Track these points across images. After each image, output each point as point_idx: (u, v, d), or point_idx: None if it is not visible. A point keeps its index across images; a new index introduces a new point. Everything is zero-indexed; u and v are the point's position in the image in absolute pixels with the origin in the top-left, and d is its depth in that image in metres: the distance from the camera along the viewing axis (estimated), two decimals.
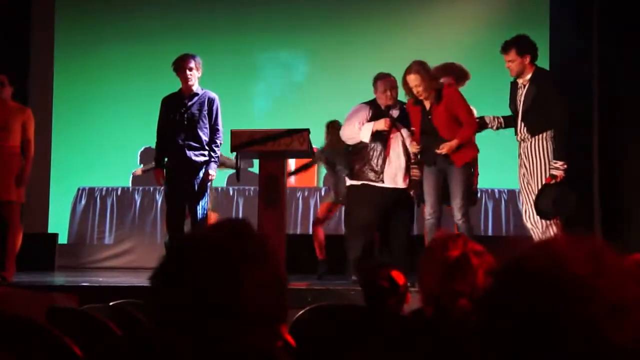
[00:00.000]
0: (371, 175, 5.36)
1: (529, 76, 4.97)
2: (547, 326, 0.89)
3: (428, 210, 5.14)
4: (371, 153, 5.37)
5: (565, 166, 4.83)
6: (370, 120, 5.40)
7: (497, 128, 5.24)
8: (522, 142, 5.02)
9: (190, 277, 1.14)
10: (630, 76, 6.78)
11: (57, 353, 2.00)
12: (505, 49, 4.97)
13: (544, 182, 4.89)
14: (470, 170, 5.15)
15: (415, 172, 5.29)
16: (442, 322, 1.86)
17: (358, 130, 5.38)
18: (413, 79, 5.07)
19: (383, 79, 5.46)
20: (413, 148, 5.29)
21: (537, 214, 4.87)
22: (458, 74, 5.39)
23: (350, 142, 5.49)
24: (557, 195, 4.82)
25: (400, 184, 5.36)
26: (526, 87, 4.98)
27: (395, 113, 5.42)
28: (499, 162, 6.47)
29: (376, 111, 5.44)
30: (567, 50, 7.21)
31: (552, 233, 4.87)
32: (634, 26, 6.74)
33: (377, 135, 5.35)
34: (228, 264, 1.14)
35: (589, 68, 7.11)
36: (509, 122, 5.18)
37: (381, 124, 5.34)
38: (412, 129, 5.31)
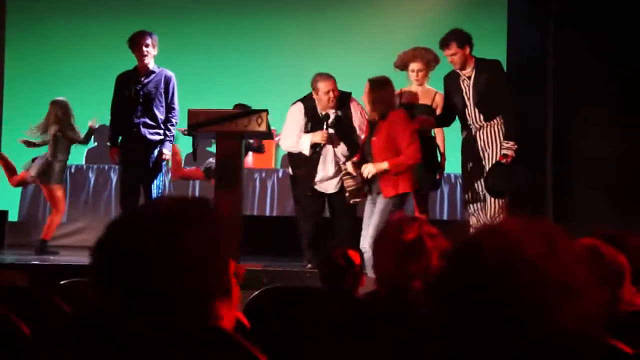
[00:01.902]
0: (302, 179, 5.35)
1: (471, 67, 5.12)
2: (498, 308, 0.90)
3: (361, 243, 4.67)
4: (303, 160, 5.30)
5: (516, 146, 4.98)
6: (306, 123, 5.31)
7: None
8: (478, 130, 5.12)
9: (128, 254, 1.13)
10: (584, 63, 6.89)
11: (5, 332, 1.96)
12: (445, 43, 5.12)
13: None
14: (399, 206, 4.75)
15: (349, 182, 4.97)
16: (396, 303, 1.87)
17: (296, 144, 5.32)
18: (365, 90, 4.87)
19: (325, 81, 5.26)
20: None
21: (487, 190, 4.99)
22: (428, 58, 5.41)
23: (291, 151, 5.44)
24: (508, 173, 4.97)
25: (331, 190, 5.32)
26: (472, 77, 5.12)
27: (332, 115, 5.31)
28: (455, 146, 6.53)
29: (311, 113, 5.33)
30: (524, 36, 7.30)
31: (498, 217, 5.00)
32: (589, 14, 6.85)
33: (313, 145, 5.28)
34: (168, 237, 1.13)
35: (545, 56, 7.22)
36: (442, 119, 5.30)
37: (318, 137, 5.24)
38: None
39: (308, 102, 5.36)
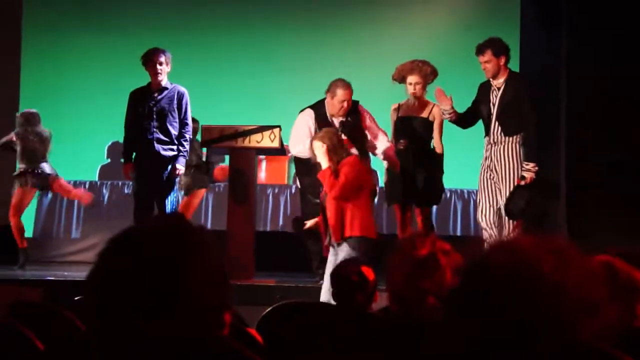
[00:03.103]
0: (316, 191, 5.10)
1: (503, 78, 5.09)
2: (511, 323, 0.90)
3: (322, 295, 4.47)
4: (311, 167, 5.06)
5: (537, 168, 4.94)
6: (316, 129, 5.16)
7: (450, 119, 5.25)
8: (493, 145, 5.10)
9: (129, 269, 1.14)
10: (597, 77, 6.88)
11: (20, 347, 1.97)
12: (481, 50, 5.08)
13: (514, 184, 4.98)
14: (359, 250, 4.43)
15: None
16: (408, 319, 1.86)
17: (309, 149, 5.05)
18: (315, 146, 4.67)
19: (345, 89, 5.21)
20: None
21: (507, 214, 4.96)
22: (426, 71, 5.41)
23: (301, 156, 5.31)
24: (529, 197, 4.92)
25: None
26: (501, 89, 5.09)
27: (341, 123, 5.26)
28: (468, 162, 6.52)
29: (322, 119, 5.26)
30: (537, 50, 7.30)
31: (513, 234, 4.96)
32: (602, 28, 6.84)
33: None
34: (167, 254, 1.15)
35: (558, 69, 7.21)
36: (461, 119, 5.26)
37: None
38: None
39: (318, 108, 5.33)
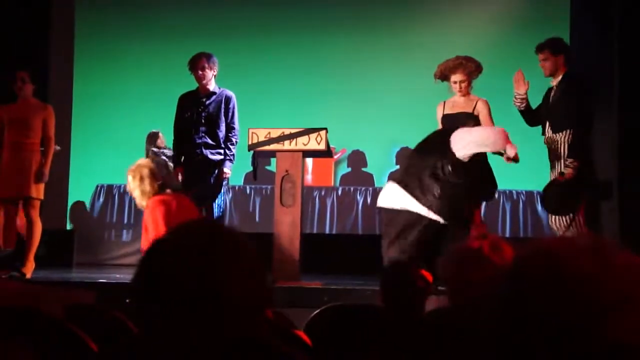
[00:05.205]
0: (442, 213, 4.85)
1: (560, 77, 5.03)
2: (549, 324, 0.89)
3: None
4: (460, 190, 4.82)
5: (575, 163, 4.82)
6: None
7: (519, 106, 5.19)
8: (548, 144, 5.04)
9: (168, 274, 1.16)
10: None
11: (74, 348, 2.01)
12: (540, 48, 5.08)
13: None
14: None
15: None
16: (459, 321, 1.85)
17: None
18: (134, 182, 4.44)
19: None
20: None
21: (544, 209, 4.89)
22: (470, 68, 5.37)
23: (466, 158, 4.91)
24: (561, 192, 4.82)
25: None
26: (556, 87, 5.05)
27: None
28: (517, 164, 6.43)
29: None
30: (589, 45, 7.17)
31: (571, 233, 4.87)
32: None
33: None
34: (204, 256, 1.16)
35: (610, 69, 7.06)
36: (529, 113, 5.19)
37: (512, 152, 4.89)
38: None
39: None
